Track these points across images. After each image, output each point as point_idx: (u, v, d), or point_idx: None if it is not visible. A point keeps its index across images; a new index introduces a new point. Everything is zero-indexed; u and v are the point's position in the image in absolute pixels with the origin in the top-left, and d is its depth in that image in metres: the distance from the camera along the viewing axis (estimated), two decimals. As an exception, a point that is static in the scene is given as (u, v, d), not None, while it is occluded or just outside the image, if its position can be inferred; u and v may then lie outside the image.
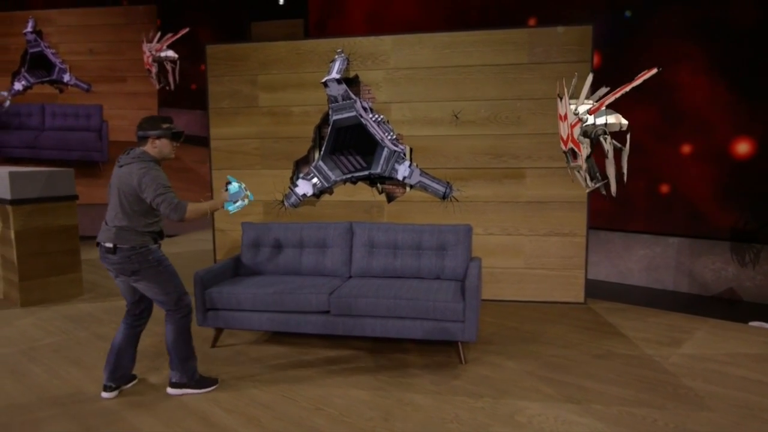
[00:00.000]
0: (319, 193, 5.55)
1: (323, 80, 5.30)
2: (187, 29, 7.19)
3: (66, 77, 9.90)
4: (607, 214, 6.81)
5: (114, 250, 3.29)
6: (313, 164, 5.52)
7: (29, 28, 9.88)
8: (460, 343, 3.91)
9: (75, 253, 5.70)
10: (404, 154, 5.35)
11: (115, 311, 5.22)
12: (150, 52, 7.46)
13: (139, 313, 3.60)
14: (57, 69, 9.89)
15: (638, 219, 6.71)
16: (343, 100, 5.32)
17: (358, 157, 5.47)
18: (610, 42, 6.35)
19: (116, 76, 9.72)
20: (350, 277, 4.50)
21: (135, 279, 3.36)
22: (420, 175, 5.32)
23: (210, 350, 4.22)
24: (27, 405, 3.41)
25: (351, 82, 5.36)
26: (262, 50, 5.50)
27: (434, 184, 5.32)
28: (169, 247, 8.48)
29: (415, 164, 5.31)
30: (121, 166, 3.32)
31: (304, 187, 5.55)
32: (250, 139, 5.62)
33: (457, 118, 5.17)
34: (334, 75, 5.29)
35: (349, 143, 5.45)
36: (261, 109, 5.57)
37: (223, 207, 3.45)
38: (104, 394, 3.52)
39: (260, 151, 5.61)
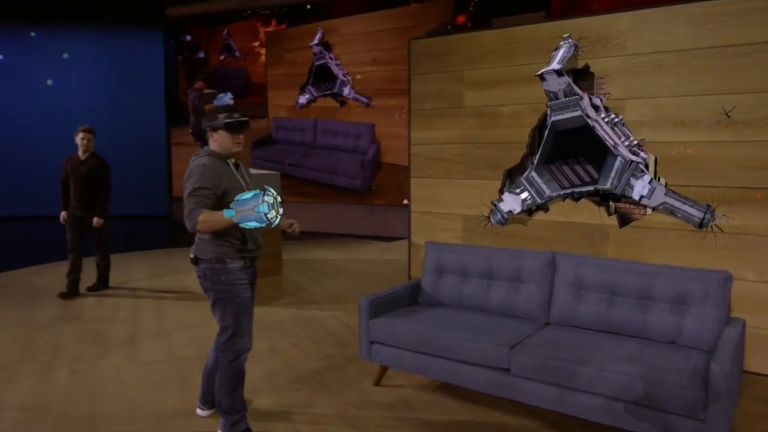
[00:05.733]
0: (529, 210, 4.59)
1: (539, 72, 4.33)
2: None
3: (346, 90, 9.56)
4: None
5: (196, 262, 2.94)
6: (524, 175, 4.58)
7: (316, 41, 9.80)
8: (695, 449, 2.65)
9: (277, 257, 5.69)
10: (645, 166, 4.08)
11: (305, 321, 5.01)
12: None
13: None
14: (339, 81, 9.64)
15: None
16: (566, 96, 4.27)
17: (583, 168, 4.36)
18: None
19: (398, 89, 8.55)
20: (548, 323, 3.50)
21: (207, 298, 2.97)
22: (665, 194, 4.00)
23: (371, 388, 3.65)
24: (169, 414, 3.24)
25: (578, 74, 4.28)
26: (469, 42, 4.75)
27: (686, 207, 3.94)
28: (382, 253, 8.35)
29: (658, 179, 4.01)
30: None
31: (510, 203, 4.64)
32: (453, 144, 4.91)
33: (728, 117, 3.73)
34: (554, 65, 4.27)
35: (572, 150, 4.37)
36: (466, 110, 4.83)
37: (235, 220, 2.68)
38: (198, 412, 3.31)
39: (463, 158, 4.87)
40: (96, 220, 5.76)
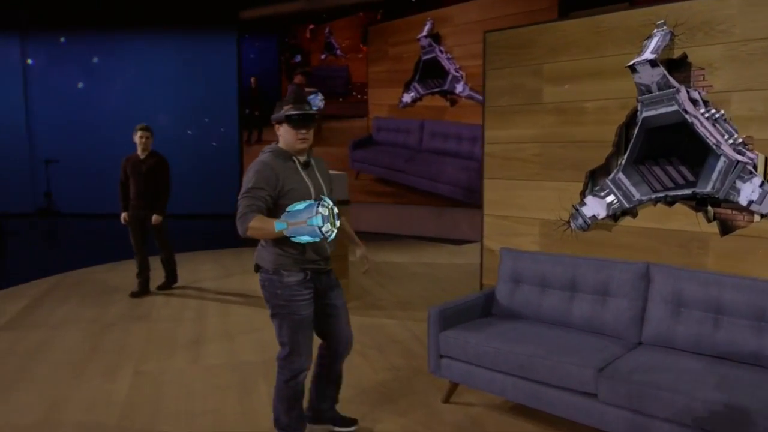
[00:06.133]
0: (614, 215, 4.19)
1: (630, 63, 3.93)
2: None
3: (459, 87, 8.49)
4: None
5: (257, 269, 2.75)
6: (610, 177, 4.18)
7: (425, 32, 8.77)
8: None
9: (344, 259, 5.52)
10: (753, 167, 3.61)
11: (371, 328, 4.81)
12: None
13: (323, 353, 3.00)
14: (450, 77, 8.61)
15: None
16: (660, 89, 3.85)
17: (677, 169, 3.91)
18: None
19: None
20: (640, 343, 3.12)
21: (267, 308, 2.78)
22: (777, 198, 3.52)
23: (440, 405, 3.39)
24: (227, 422, 3.11)
25: (673, 64, 3.85)
26: (551, 32, 4.40)
27: (802, 214, 3.45)
28: (451, 256, 8.03)
29: (769, 182, 3.53)
30: None
31: (594, 207, 4.25)
32: (530, 143, 4.57)
33: None
34: (647, 55, 3.86)
35: (666, 149, 3.93)
36: (545, 106, 4.47)
37: (286, 233, 2.46)
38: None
39: (542, 158, 4.52)
40: (155, 218, 5.72)
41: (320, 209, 2.37)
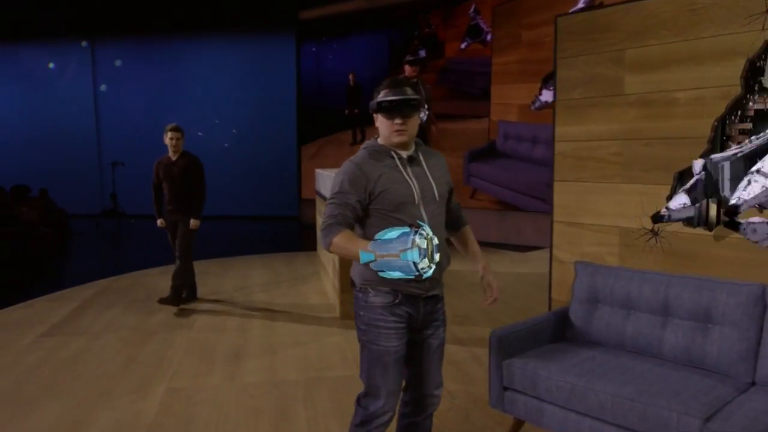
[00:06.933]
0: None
1: None
2: None
3: None
4: None
5: (352, 283, 2.29)
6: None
7: (581, 3, 6.79)
8: None
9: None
10: None
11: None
12: None
13: (405, 401, 2.38)
14: None
15: None
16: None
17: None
18: None
19: None
20: (753, 383, 2.53)
21: None
22: None
23: (504, 446, 2.91)
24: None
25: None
26: (634, 13, 3.82)
27: None
28: (515, 265, 7.42)
29: None
30: None
31: (681, 210, 3.65)
32: (609, 141, 4.00)
33: None
34: None
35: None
36: (627, 98, 3.90)
37: (374, 267, 1.97)
38: None
39: (622, 158, 3.95)
40: (193, 222, 5.33)
41: (417, 239, 1.87)
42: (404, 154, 2.22)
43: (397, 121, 2.14)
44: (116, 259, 9.43)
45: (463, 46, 9.10)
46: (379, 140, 2.25)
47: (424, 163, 2.26)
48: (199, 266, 7.55)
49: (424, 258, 1.87)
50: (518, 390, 2.78)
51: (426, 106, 8.33)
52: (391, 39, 10.67)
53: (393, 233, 1.93)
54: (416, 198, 2.17)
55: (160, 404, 3.42)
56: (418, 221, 1.96)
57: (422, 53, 9.92)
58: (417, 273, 1.88)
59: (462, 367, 3.98)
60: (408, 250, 1.86)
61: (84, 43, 14.49)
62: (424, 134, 8.34)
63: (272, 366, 4.02)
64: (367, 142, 2.29)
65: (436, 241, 1.93)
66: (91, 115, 14.83)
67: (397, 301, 2.17)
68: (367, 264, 1.98)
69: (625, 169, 3.95)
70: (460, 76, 9.13)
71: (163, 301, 5.41)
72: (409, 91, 2.16)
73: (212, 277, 6.93)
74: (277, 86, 13.20)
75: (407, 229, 1.90)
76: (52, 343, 4.57)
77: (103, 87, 14.62)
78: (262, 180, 13.14)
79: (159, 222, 5.55)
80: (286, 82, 12.81)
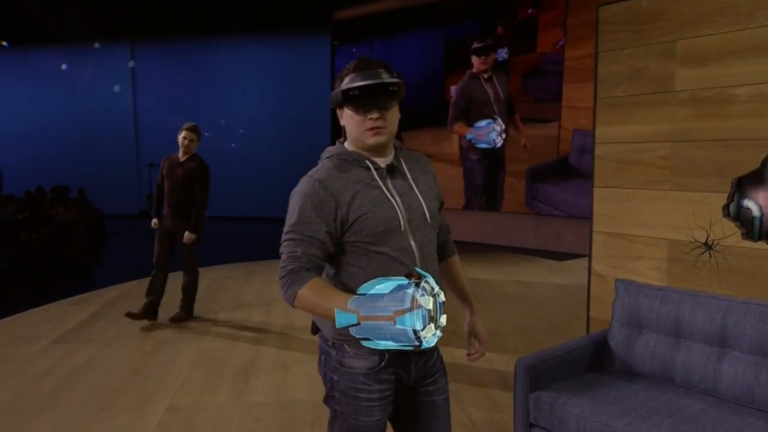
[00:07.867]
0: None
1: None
2: None
3: None
4: None
5: (314, 331, 1.74)
6: (769, 186, 3.13)
7: None
8: None
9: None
10: None
11: (448, 366, 4.02)
12: None
13: None
14: None
15: None
16: None
17: None
18: None
19: None
20: (833, 434, 2.12)
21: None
22: None
23: (530, 492, 2.55)
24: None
25: None
26: (686, 0, 3.42)
27: None
28: (551, 274, 6.93)
29: None
30: None
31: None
32: (656, 143, 3.59)
33: None
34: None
35: None
36: (678, 95, 3.48)
37: (355, 333, 1.38)
38: None
39: (672, 162, 3.53)
40: (187, 235, 4.87)
41: (420, 298, 1.29)
42: (382, 162, 1.64)
43: (373, 115, 1.55)
44: (147, 261, 9.38)
45: (560, 43, 7.53)
46: (347, 145, 1.67)
47: (408, 173, 1.69)
48: (222, 271, 7.45)
49: (429, 323, 1.31)
50: (546, 429, 2.42)
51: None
52: (446, 36, 9.56)
53: (383, 285, 1.36)
54: (402, 223, 1.60)
55: (158, 423, 3.19)
56: (417, 269, 1.38)
57: (503, 55, 8.48)
58: (417, 344, 1.32)
59: (488, 390, 3.63)
60: (407, 313, 1.30)
61: (125, 47, 14.69)
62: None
63: (282, 384, 3.75)
64: (330, 149, 1.70)
65: (442, 297, 1.37)
66: (130, 117, 15.02)
67: (383, 363, 1.62)
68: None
69: (674, 174, 3.54)
70: (546, 83, 7.66)
71: (174, 320, 5.10)
72: (384, 74, 1.56)
73: (235, 281, 6.75)
74: (311, 88, 13.06)
75: (404, 281, 1.34)
76: (61, 351, 4.42)
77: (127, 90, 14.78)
78: (296, 183, 13.02)
79: (153, 222, 5.14)
80: (321, 84, 12.64)
